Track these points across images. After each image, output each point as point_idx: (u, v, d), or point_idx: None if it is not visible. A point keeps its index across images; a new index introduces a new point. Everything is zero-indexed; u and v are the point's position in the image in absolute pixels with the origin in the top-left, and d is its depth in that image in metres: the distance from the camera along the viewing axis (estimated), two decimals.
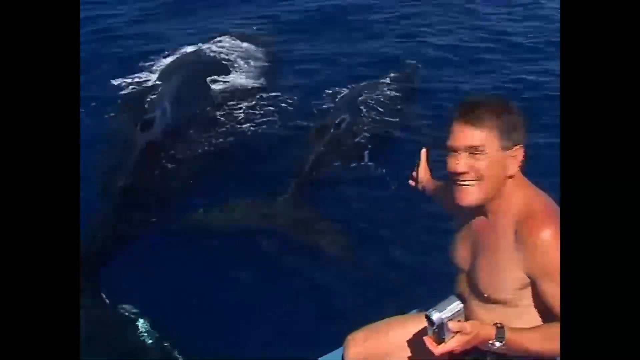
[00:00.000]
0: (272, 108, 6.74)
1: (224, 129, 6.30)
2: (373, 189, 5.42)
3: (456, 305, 2.10)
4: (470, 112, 2.11)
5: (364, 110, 6.55)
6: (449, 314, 2.08)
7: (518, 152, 2.16)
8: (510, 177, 2.16)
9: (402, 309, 2.90)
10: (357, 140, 6.08)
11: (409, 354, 2.52)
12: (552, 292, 2.04)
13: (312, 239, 4.80)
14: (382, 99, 6.80)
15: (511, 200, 2.17)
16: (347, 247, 4.70)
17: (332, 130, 6.05)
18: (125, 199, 5.07)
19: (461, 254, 2.37)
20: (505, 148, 2.12)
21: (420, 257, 4.52)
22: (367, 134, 6.16)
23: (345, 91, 7.12)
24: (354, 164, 5.78)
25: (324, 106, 6.83)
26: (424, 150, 2.83)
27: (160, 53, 8.09)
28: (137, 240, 4.89)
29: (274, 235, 4.87)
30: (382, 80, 7.25)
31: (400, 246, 4.70)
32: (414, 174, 2.84)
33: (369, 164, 5.78)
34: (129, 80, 7.34)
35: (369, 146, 6.00)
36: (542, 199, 2.18)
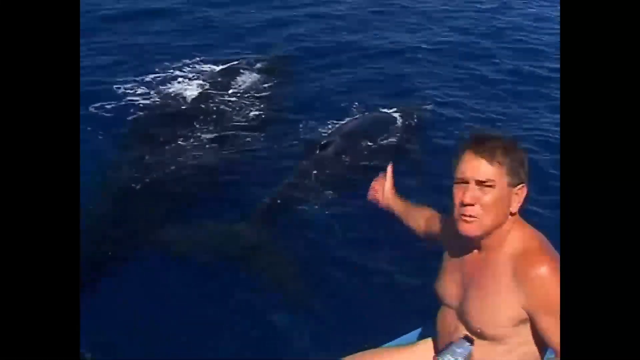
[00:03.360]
0: (266, 129, 6.74)
1: (213, 146, 6.30)
2: (341, 224, 5.20)
3: (466, 348, 2.14)
4: (482, 145, 2.13)
5: (358, 141, 6.36)
6: (461, 357, 2.12)
7: (521, 191, 2.18)
8: (512, 214, 2.18)
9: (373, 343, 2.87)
10: (339, 172, 5.89)
11: None
12: (552, 327, 2.05)
13: (266, 271, 4.70)
14: (379, 132, 6.60)
15: (508, 238, 2.18)
16: (297, 283, 4.57)
17: (316, 158, 5.95)
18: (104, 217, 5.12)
19: (449, 288, 2.36)
20: (511, 185, 2.15)
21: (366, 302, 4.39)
22: (351, 168, 5.96)
23: (345, 118, 6.96)
24: (330, 197, 5.58)
25: (318, 131, 6.73)
26: (390, 165, 2.84)
27: (155, 72, 8.09)
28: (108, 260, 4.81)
29: (230, 263, 4.78)
30: (384, 113, 7.06)
31: (352, 288, 4.56)
32: (375, 185, 2.88)
33: (344, 197, 5.57)
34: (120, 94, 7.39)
35: (350, 180, 5.77)
36: (538, 237, 2.19)
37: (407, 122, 6.89)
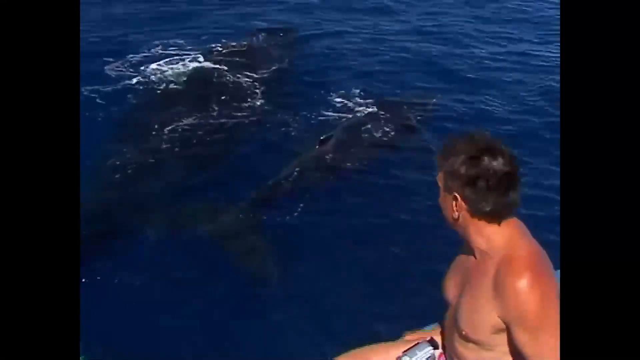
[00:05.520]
0: (267, 118, 6.66)
1: (210, 133, 6.25)
2: (327, 216, 5.23)
3: (427, 352, 2.21)
4: (444, 147, 2.18)
5: (358, 136, 6.30)
6: (421, 359, 2.20)
7: (456, 201, 2.15)
8: (455, 220, 2.18)
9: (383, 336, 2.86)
10: (337, 167, 5.86)
11: None
12: (525, 339, 2.02)
13: (243, 256, 4.75)
14: (384, 124, 6.49)
15: (502, 246, 2.13)
16: (271, 272, 4.60)
17: (315, 153, 5.93)
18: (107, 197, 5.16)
19: (449, 289, 2.36)
20: (446, 192, 2.17)
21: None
22: (348, 163, 5.94)
23: (349, 109, 6.88)
24: (323, 191, 5.61)
25: (320, 122, 6.66)
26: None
27: (162, 53, 7.97)
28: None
29: (210, 243, 4.84)
30: (389, 106, 6.91)
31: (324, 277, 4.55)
32: None
33: (337, 191, 5.59)
34: (127, 79, 7.31)
35: (346, 176, 5.80)
36: (530, 249, 2.12)
37: (411, 116, 6.77)
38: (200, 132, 6.14)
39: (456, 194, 2.12)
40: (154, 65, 7.52)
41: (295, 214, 5.18)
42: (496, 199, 2.08)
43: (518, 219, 2.18)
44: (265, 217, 5.14)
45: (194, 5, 9.77)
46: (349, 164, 5.91)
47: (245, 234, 4.93)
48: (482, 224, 2.13)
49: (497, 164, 2.06)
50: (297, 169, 5.66)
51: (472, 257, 2.23)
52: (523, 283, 2.00)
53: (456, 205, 2.14)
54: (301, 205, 5.27)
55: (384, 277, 4.51)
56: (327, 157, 5.91)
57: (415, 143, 6.37)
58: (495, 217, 2.11)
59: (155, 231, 4.89)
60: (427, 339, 2.27)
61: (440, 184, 2.19)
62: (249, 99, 6.89)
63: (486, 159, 2.06)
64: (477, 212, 2.11)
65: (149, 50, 7.92)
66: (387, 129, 6.43)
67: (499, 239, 2.13)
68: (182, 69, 7.43)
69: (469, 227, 2.16)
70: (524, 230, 2.17)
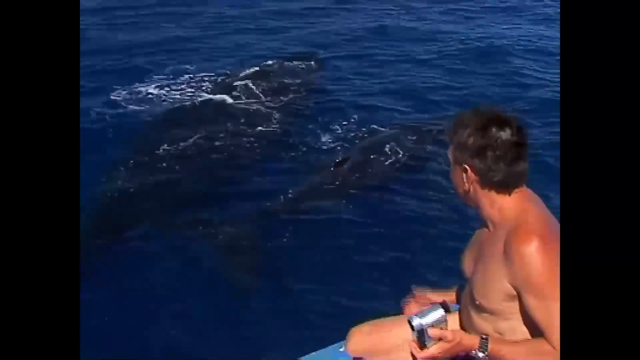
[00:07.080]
0: (283, 140, 6.66)
1: (223, 153, 6.28)
2: (331, 240, 5.15)
3: (438, 313, 2.17)
4: (455, 119, 2.24)
5: (375, 160, 6.21)
6: (429, 320, 2.15)
7: (467, 172, 2.19)
8: (466, 192, 2.22)
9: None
10: (351, 190, 5.80)
11: (409, 353, 2.47)
12: (534, 305, 2.04)
13: (233, 269, 4.76)
14: (403, 148, 6.39)
15: (507, 212, 2.17)
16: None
17: (330, 175, 5.91)
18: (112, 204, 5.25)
19: (466, 262, 2.40)
20: (457, 163, 2.22)
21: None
22: (364, 187, 5.87)
23: (367, 131, 6.85)
24: (333, 210, 5.53)
25: (338, 144, 6.64)
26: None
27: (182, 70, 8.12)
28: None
29: (212, 254, 4.87)
30: (417, 126, 6.85)
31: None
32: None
33: (348, 213, 5.51)
34: (134, 93, 7.43)
35: (358, 196, 5.73)
36: (537, 216, 2.15)
37: (431, 141, 6.65)
38: (211, 154, 6.19)
39: (466, 166, 2.18)
40: (165, 90, 7.65)
41: (301, 235, 5.14)
42: (505, 169, 2.12)
43: (529, 189, 2.21)
44: (270, 236, 5.12)
45: (207, 31, 9.91)
46: (363, 189, 5.85)
47: (248, 249, 4.94)
48: (493, 194, 2.18)
49: (505, 134, 2.11)
50: (310, 191, 5.65)
51: (486, 230, 2.27)
52: (530, 248, 2.02)
53: (466, 177, 2.19)
54: (309, 227, 5.24)
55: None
56: (342, 180, 5.85)
57: (434, 169, 6.24)
58: (505, 186, 2.16)
59: (160, 239, 4.98)
60: (440, 302, 2.26)
61: (451, 157, 2.24)
62: (263, 125, 6.90)
63: (494, 130, 2.12)
64: (487, 183, 2.16)
65: (162, 74, 8.05)
66: (406, 154, 6.35)
67: (510, 209, 2.16)
68: (194, 94, 7.52)
69: (480, 198, 2.21)
70: (536, 200, 2.21)
